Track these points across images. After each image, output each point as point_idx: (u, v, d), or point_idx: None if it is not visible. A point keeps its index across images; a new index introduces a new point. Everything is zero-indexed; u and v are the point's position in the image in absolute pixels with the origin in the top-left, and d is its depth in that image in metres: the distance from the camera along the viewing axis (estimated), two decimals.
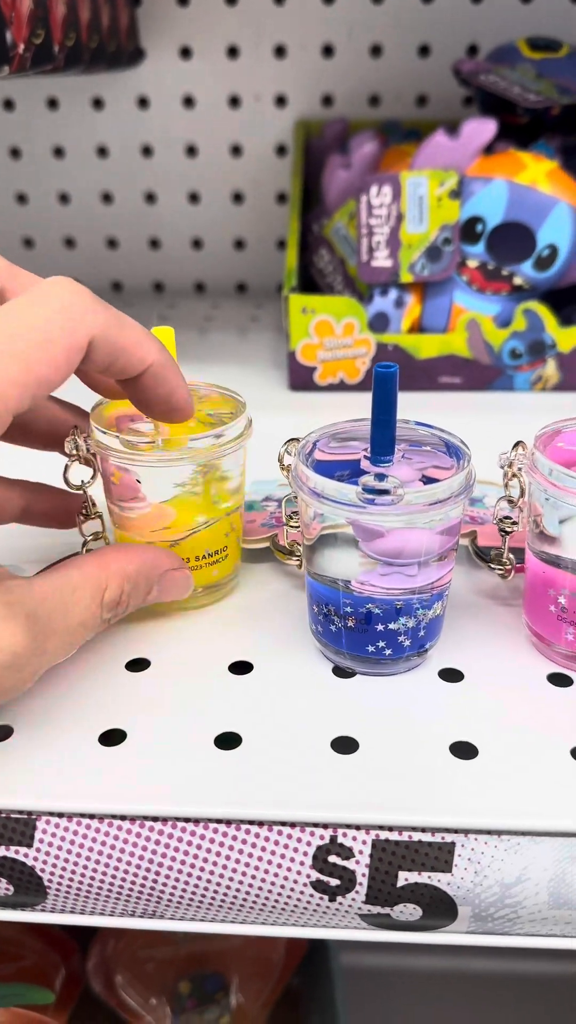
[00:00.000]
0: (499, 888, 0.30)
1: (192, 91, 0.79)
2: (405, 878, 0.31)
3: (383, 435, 0.34)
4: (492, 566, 0.39)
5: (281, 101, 0.79)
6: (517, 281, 0.59)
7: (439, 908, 0.31)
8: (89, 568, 0.33)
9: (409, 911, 0.31)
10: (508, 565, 0.39)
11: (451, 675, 0.37)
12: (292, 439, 0.37)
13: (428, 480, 0.34)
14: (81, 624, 0.32)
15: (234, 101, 0.79)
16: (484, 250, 0.58)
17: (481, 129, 0.57)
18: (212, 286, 0.86)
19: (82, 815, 0.31)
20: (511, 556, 0.39)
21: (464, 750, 0.33)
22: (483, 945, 0.32)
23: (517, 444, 0.36)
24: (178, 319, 0.79)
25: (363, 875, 0.31)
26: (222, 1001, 0.60)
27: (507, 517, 0.38)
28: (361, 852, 0.31)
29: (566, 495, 0.33)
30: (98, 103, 0.80)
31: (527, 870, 0.30)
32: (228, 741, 0.33)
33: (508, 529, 0.38)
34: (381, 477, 0.34)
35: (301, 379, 0.63)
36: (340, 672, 0.37)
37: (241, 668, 0.37)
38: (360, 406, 0.62)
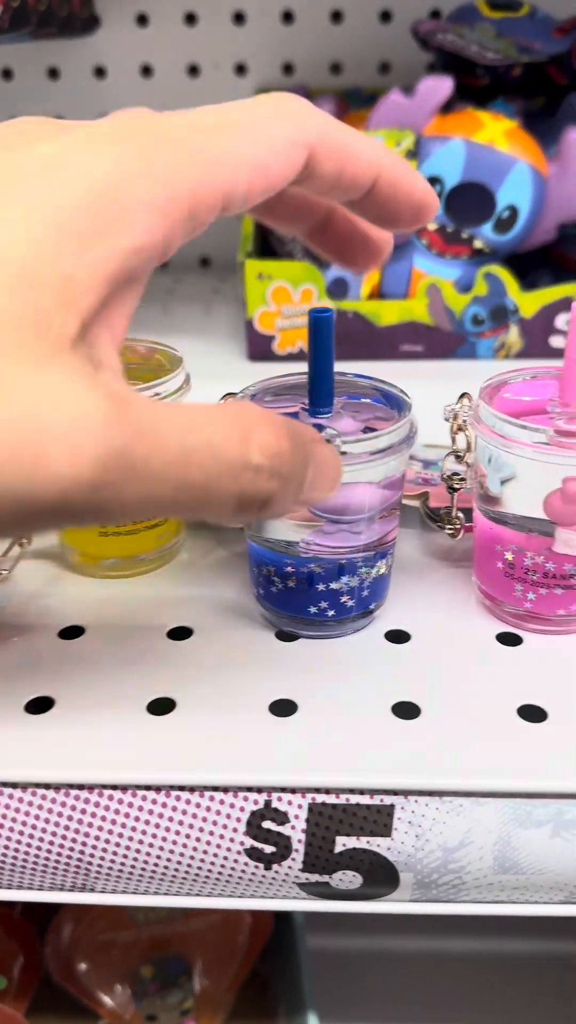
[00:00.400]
0: (442, 852, 0.29)
1: (150, 60, 0.77)
2: (343, 844, 0.29)
3: (321, 386, 0.33)
4: (442, 526, 0.38)
5: (241, 69, 0.77)
6: (477, 244, 0.58)
7: (380, 875, 0.30)
8: (227, 407, 0.23)
9: (349, 879, 0.30)
10: (458, 524, 0.37)
11: (397, 636, 0.35)
12: (228, 393, 0.35)
13: (369, 432, 0.33)
14: (208, 445, 0.21)
15: (193, 70, 0.78)
16: (443, 212, 0.57)
17: (437, 87, 0.55)
18: (174, 260, 0.84)
19: (4, 784, 0.30)
20: (460, 515, 0.37)
21: (406, 711, 0.31)
22: (430, 914, 0.31)
23: (463, 396, 0.35)
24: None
25: (299, 841, 0.29)
26: (185, 985, 0.59)
27: (455, 474, 0.37)
28: (297, 817, 0.29)
29: (511, 445, 0.32)
30: (53, 73, 0.78)
31: (470, 833, 0.29)
32: (161, 707, 0.32)
33: (456, 486, 0.37)
34: (319, 428, 0.33)
35: (260, 349, 0.61)
36: (284, 636, 0.35)
37: (180, 634, 0.36)
38: None
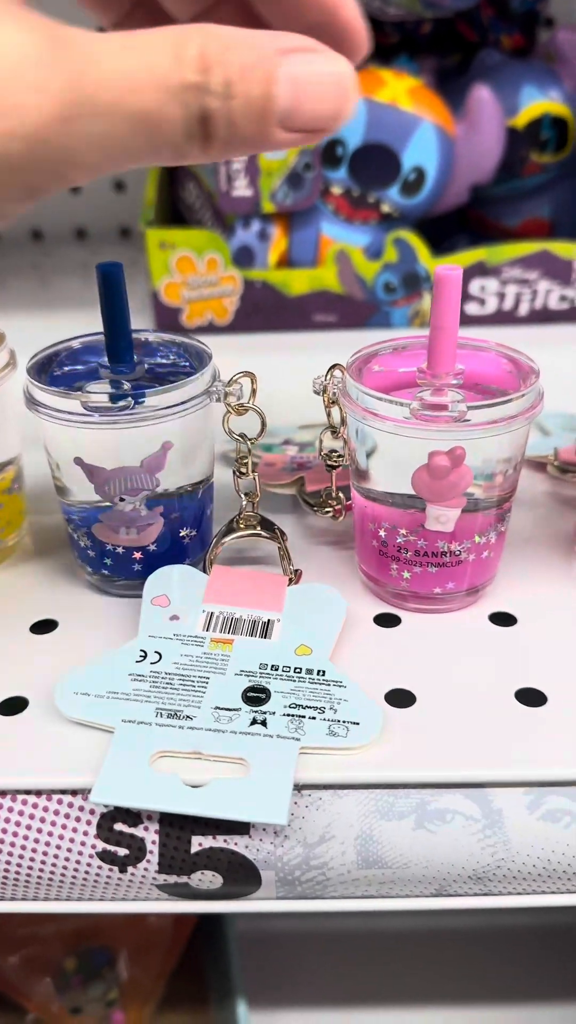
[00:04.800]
0: (302, 849, 0.28)
1: None
2: (199, 843, 0.28)
3: (117, 342, 0.31)
4: (320, 509, 0.36)
5: None
6: (385, 208, 0.56)
7: (240, 874, 0.28)
8: (164, 27, 0.21)
9: (209, 879, 0.28)
10: (337, 504, 0.36)
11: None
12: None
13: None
14: (148, 67, 0.20)
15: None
16: (347, 175, 0.55)
17: None
18: (93, 231, 0.81)
19: None
20: (340, 495, 0.36)
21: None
22: (295, 911, 0.29)
23: (332, 367, 0.33)
24: (55, 267, 0.75)
25: (153, 843, 0.28)
26: (108, 976, 0.58)
27: (333, 451, 0.35)
28: (150, 817, 0.28)
29: (375, 420, 0.30)
30: None
31: (331, 827, 0.28)
32: (14, 706, 0.30)
33: (334, 463, 0.35)
34: (117, 384, 0.31)
35: (168, 321, 0.59)
36: None
37: (44, 627, 0.34)
38: (232, 348, 0.59)
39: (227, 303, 0.58)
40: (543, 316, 0.60)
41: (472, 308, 0.59)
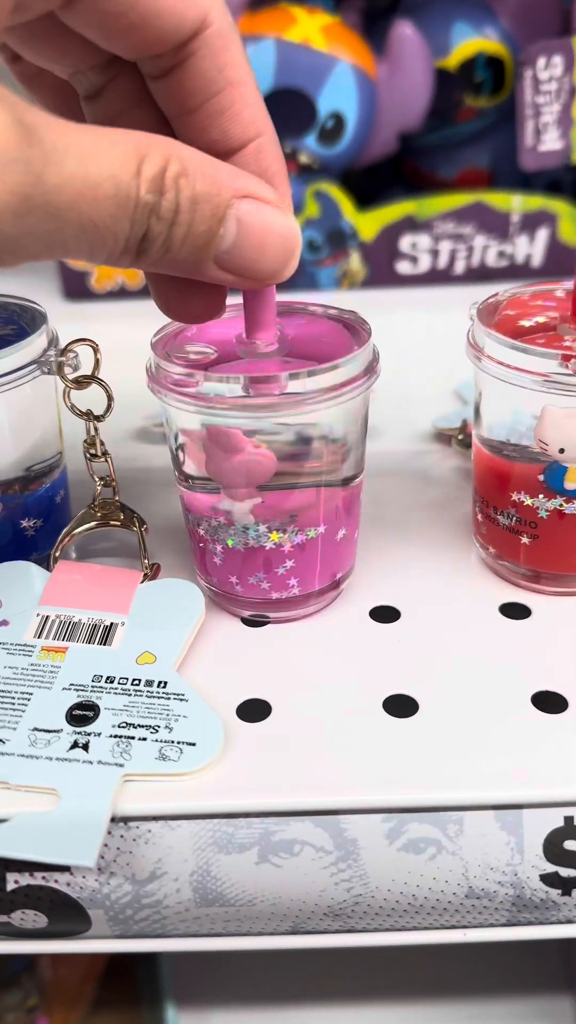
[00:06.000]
0: (131, 886, 0.24)
1: None
2: (15, 880, 0.24)
3: None
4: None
5: None
6: (303, 159, 0.51)
7: (66, 913, 0.25)
8: (130, 132, 0.21)
9: (32, 918, 0.25)
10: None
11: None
12: None
13: None
14: (110, 178, 0.19)
15: None
16: None
17: None
18: None
19: None
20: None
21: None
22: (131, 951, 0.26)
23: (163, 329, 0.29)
24: None
25: None
26: (27, 982, 0.55)
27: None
28: None
29: (172, 398, 0.26)
30: None
31: (162, 863, 0.24)
32: None
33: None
34: None
35: (76, 286, 0.55)
36: None
37: None
38: (144, 314, 0.55)
39: None
40: (481, 274, 0.55)
41: (404, 267, 0.55)
